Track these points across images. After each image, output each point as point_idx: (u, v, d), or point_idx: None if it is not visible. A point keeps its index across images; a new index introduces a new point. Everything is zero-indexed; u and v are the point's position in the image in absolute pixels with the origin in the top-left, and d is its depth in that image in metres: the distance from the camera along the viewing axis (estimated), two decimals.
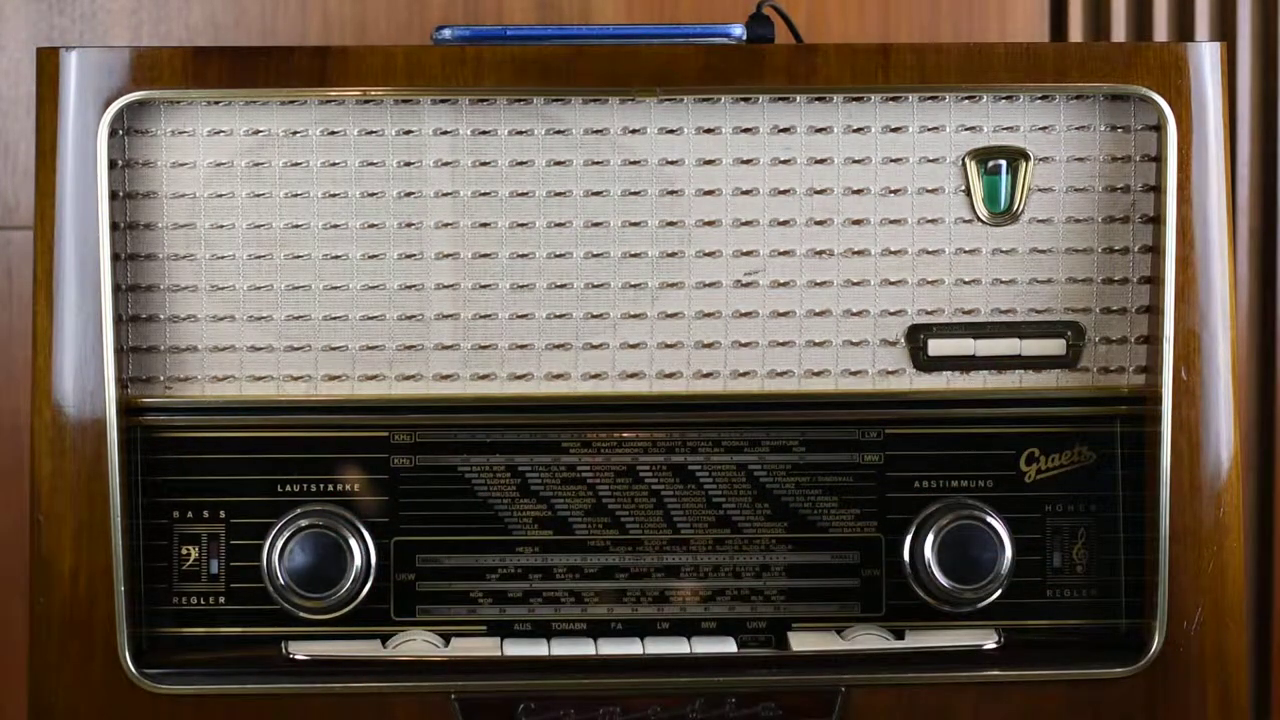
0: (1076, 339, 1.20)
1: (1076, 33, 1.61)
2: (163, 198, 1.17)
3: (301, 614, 1.17)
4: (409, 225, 1.18)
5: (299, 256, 1.18)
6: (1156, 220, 1.19)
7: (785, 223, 1.19)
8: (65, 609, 1.16)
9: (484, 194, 1.18)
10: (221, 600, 1.18)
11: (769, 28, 1.22)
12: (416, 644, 1.17)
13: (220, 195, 1.18)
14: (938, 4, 1.59)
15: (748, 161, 1.18)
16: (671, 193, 1.18)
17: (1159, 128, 1.18)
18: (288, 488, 1.18)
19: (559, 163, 1.18)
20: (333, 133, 1.17)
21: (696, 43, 1.17)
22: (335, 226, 1.18)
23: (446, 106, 1.17)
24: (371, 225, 1.18)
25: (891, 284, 1.19)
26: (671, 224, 1.19)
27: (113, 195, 1.15)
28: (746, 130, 1.18)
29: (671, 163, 1.18)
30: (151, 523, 1.18)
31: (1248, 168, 1.62)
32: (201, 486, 1.18)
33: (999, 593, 1.18)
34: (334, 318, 1.18)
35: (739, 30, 1.19)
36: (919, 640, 1.16)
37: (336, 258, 1.18)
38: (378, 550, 1.18)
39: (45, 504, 1.16)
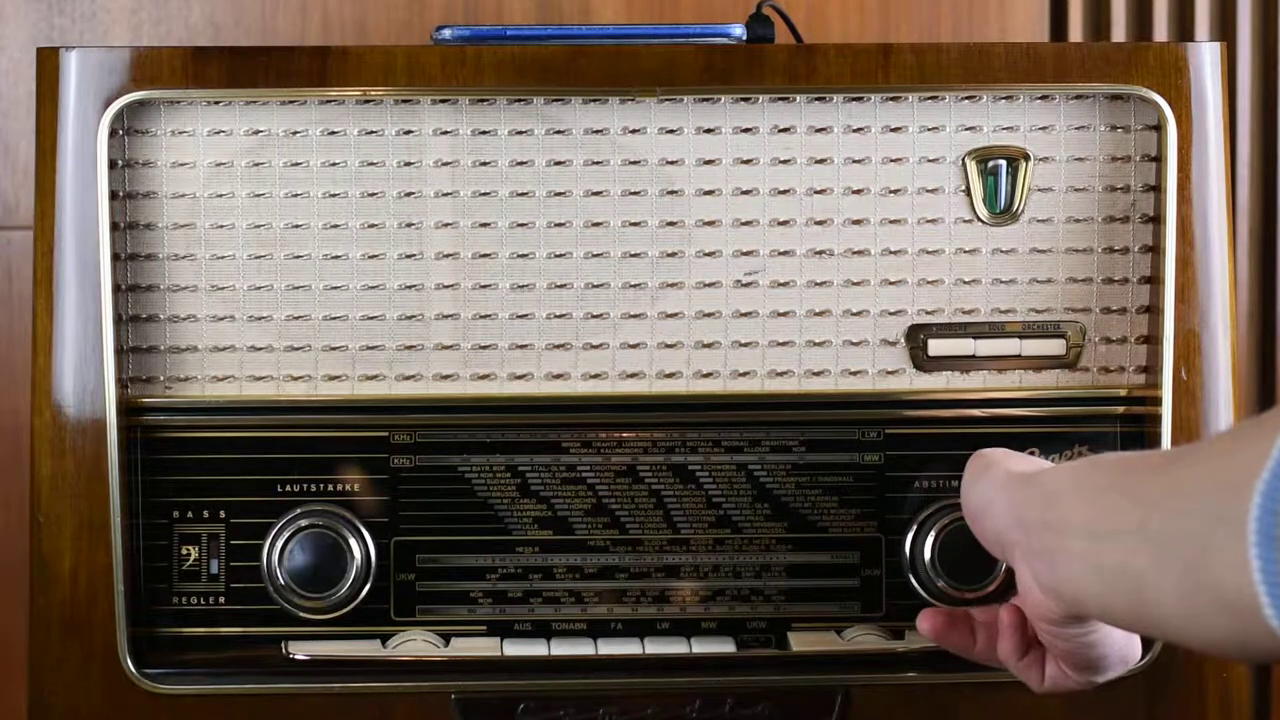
0: (1076, 339, 1.20)
1: (1076, 33, 1.61)
2: (163, 198, 1.17)
3: (301, 614, 1.17)
4: (409, 225, 1.18)
5: (299, 256, 1.18)
6: (1156, 220, 1.19)
7: (785, 223, 1.19)
8: (65, 609, 1.16)
9: (484, 194, 1.18)
10: (221, 600, 1.18)
11: (769, 28, 1.22)
12: (416, 644, 1.17)
13: (220, 195, 1.17)
14: (938, 4, 1.59)
15: (748, 161, 1.18)
16: (671, 193, 1.18)
17: (1159, 128, 1.18)
18: (288, 488, 1.18)
19: (559, 163, 1.18)
20: (333, 133, 1.17)
21: (696, 43, 1.17)
22: (335, 226, 1.18)
23: (446, 106, 1.17)
24: (371, 225, 1.18)
25: (891, 284, 1.19)
26: (671, 224, 1.19)
27: (113, 195, 1.15)
28: (746, 130, 1.18)
29: (671, 163, 1.18)
30: (151, 523, 1.18)
31: (1248, 168, 1.62)
32: (201, 486, 1.18)
33: (999, 593, 1.18)
34: (334, 318, 1.18)
35: (739, 30, 1.19)
36: (919, 640, 1.16)
37: (336, 258, 1.18)
38: (378, 550, 1.18)
39: (45, 504, 1.16)
